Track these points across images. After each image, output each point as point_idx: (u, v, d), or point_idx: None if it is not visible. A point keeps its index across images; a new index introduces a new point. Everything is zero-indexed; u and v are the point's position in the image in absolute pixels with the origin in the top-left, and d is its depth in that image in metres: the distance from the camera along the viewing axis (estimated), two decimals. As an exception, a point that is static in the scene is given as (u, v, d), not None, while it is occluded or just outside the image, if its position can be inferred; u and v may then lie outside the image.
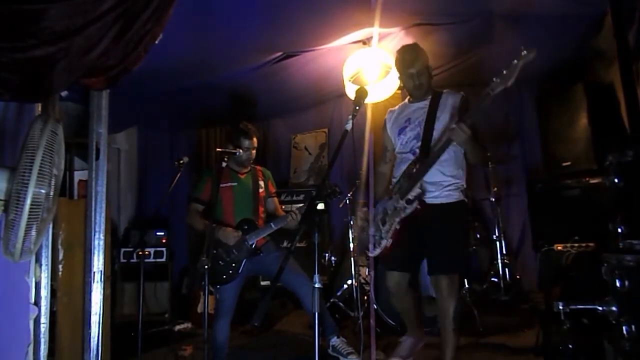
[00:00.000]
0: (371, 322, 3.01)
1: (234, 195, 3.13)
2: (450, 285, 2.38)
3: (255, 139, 3.19)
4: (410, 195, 2.40)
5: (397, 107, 2.71)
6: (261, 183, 3.26)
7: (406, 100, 2.67)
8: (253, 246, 3.01)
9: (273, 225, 3.05)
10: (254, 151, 3.19)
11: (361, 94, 2.01)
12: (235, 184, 3.15)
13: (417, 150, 2.49)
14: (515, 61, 2.11)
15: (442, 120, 2.48)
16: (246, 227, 3.04)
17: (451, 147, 2.39)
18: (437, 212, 2.42)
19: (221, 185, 3.06)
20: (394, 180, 2.59)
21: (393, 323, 3.55)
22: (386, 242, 2.44)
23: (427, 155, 2.42)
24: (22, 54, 1.52)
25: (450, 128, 2.24)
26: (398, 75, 2.66)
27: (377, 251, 2.47)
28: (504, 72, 2.14)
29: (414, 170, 2.43)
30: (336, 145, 2.12)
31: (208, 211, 3.08)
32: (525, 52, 2.12)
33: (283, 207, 3.50)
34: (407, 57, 2.57)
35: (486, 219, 4.76)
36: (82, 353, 2.22)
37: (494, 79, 2.16)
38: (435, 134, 2.45)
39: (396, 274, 2.56)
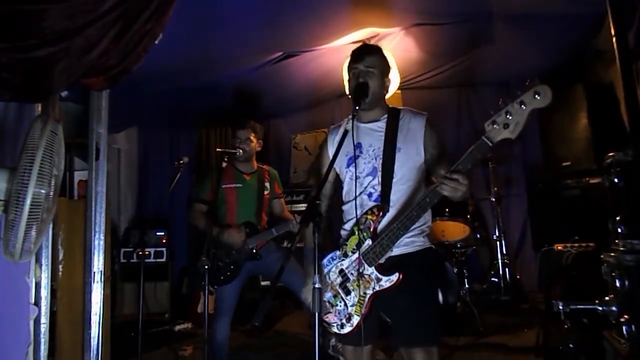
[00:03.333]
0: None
1: (238, 196, 3.09)
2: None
3: (252, 131, 3.11)
4: (383, 260, 1.79)
5: (341, 124, 1.96)
6: (267, 184, 3.19)
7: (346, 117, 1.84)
8: (253, 250, 2.99)
9: (274, 232, 3.02)
10: (252, 144, 3.11)
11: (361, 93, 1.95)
12: (240, 185, 3.10)
13: (373, 192, 1.89)
14: (523, 107, 1.50)
15: (405, 152, 1.88)
16: (247, 230, 3.02)
17: (413, 177, 1.89)
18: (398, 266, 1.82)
19: (226, 186, 3.05)
20: (345, 229, 2.00)
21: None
22: (359, 319, 1.82)
23: (387, 202, 1.86)
24: (22, 54, 1.52)
25: (442, 182, 1.61)
26: (347, 78, 1.98)
27: (348, 329, 1.84)
28: (507, 116, 1.52)
29: (372, 221, 1.82)
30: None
31: (211, 211, 3.06)
32: (536, 95, 1.48)
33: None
34: (363, 54, 1.92)
35: (486, 219, 4.77)
36: (82, 353, 2.22)
37: (489, 125, 1.55)
38: (398, 172, 1.87)
39: (352, 349, 1.96)
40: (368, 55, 1.91)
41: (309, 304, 1.82)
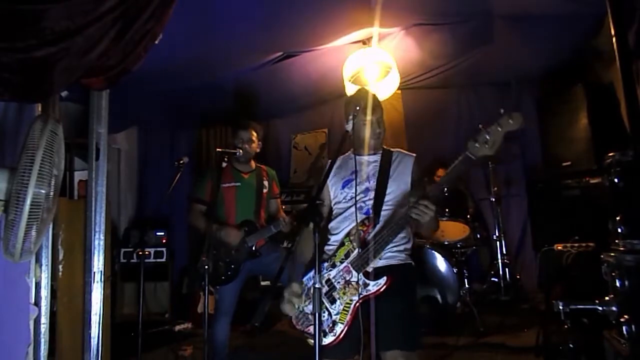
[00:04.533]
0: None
1: (237, 195, 3.11)
2: None
3: (253, 132, 3.15)
4: (370, 268, 1.95)
5: (338, 159, 2.22)
6: (265, 183, 3.22)
7: (349, 152, 2.23)
8: (253, 248, 3.00)
9: (273, 228, 3.04)
10: (254, 145, 3.14)
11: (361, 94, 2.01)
12: (239, 184, 3.12)
13: (364, 205, 2.10)
14: (499, 128, 1.77)
15: (396, 179, 2.15)
16: (246, 228, 3.03)
17: (398, 200, 2.10)
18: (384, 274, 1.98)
19: (224, 185, 3.05)
20: (333, 242, 2.15)
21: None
22: (342, 327, 1.94)
23: (378, 214, 2.07)
24: (22, 54, 1.52)
25: (412, 206, 1.85)
26: (351, 118, 1.98)
27: (330, 339, 1.97)
28: (486, 136, 1.78)
29: (363, 231, 2.01)
30: (336, 146, 1.97)
31: (210, 211, 3.07)
32: (510, 119, 1.77)
33: (283, 207, 3.49)
34: (376, 106, 2.16)
35: (486, 219, 4.77)
36: (82, 353, 2.23)
37: (472, 142, 1.80)
38: (390, 194, 2.11)
39: None
40: (379, 107, 2.17)
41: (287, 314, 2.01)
